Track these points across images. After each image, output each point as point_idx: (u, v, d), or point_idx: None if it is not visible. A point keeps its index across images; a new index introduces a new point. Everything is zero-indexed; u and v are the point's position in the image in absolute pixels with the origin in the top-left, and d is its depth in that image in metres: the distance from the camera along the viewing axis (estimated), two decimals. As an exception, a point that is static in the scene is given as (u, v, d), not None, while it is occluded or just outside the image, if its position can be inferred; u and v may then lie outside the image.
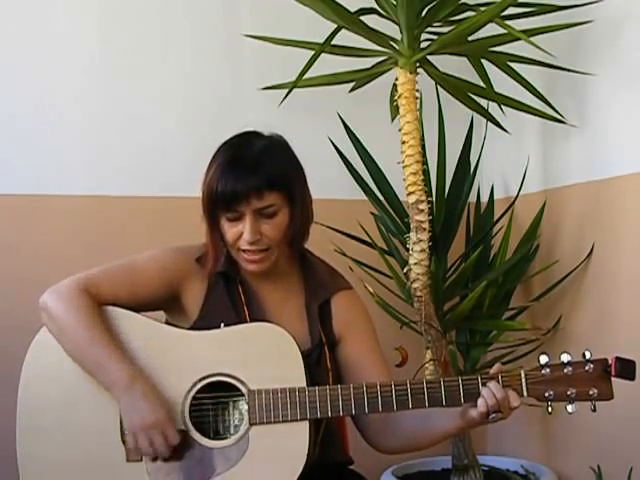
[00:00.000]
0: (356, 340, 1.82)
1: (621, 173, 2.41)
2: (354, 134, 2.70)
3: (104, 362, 1.63)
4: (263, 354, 1.67)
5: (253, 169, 1.68)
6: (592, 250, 2.54)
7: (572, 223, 2.65)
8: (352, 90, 2.70)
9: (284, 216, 1.73)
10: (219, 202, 1.69)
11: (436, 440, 1.73)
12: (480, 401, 1.59)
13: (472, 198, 2.80)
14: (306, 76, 2.42)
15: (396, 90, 2.41)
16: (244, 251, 1.73)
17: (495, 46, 2.46)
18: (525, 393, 1.61)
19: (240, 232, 1.71)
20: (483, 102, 2.64)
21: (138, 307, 1.75)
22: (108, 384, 1.63)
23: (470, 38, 2.48)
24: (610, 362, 1.60)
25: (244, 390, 1.65)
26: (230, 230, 1.72)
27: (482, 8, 2.33)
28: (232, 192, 1.67)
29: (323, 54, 2.39)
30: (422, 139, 2.44)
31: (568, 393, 1.60)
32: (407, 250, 2.45)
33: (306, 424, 1.63)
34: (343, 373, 1.81)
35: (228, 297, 1.78)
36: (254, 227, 1.70)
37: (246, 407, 1.64)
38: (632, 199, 2.38)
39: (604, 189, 2.49)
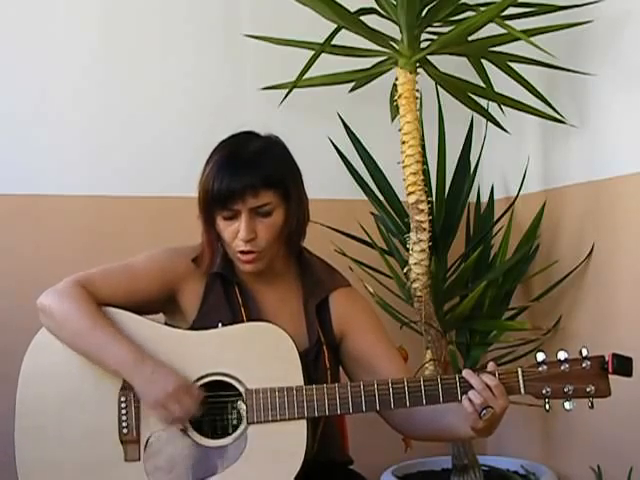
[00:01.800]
0: (359, 336, 1.81)
1: (621, 173, 2.41)
2: (354, 134, 2.70)
3: (108, 345, 1.64)
4: (261, 353, 1.67)
5: (249, 167, 1.68)
6: (592, 250, 2.54)
7: (572, 223, 2.64)
8: (352, 90, 2.70)
9: (279, 215, 1.72)
10: (215, 200, 1.69)
11: (455, 439, 1.72)
12: (465, 402, 1.59)
13: (472, 198, 2.80)
14: (306, 76, 2.42)
15: (396, 90, 2.41)
16: (240, 252, 1.73)
17: (495, 46, 2.46)
18: (523, 390, 1.61)
19: (236, 230, 1.71)
20: (483, 102, 2.64)
21: (136, 308, 1.74)
22: (116, 365, 1.64)
23: (470, 38, 2.47)
24: (607, 359, 1.60)
25: (242, 389, 1.65)
26: (226, 229, 1.72)
27: (482, 8, 2.33)
28: (228, 190, 1.67)
29: (323, 54, 2.39)
30: (422, 139, 2.44)
31: (565, 390, 1.60)
32: (407, 250, 2.45)
33: (304, 423, 1.63)
34: (353, 370, 1.81)
35: (225, 298, 1.78)
36: (250, 225, 1.70)
37: (244, 406, 1.64)
38: (632, 199, 2.38)
39: (604, 189, 2.49)
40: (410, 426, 1.77)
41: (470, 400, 1.58)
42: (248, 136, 1.78)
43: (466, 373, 1.62)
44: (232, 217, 1.71)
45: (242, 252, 1.73)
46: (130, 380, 1.64)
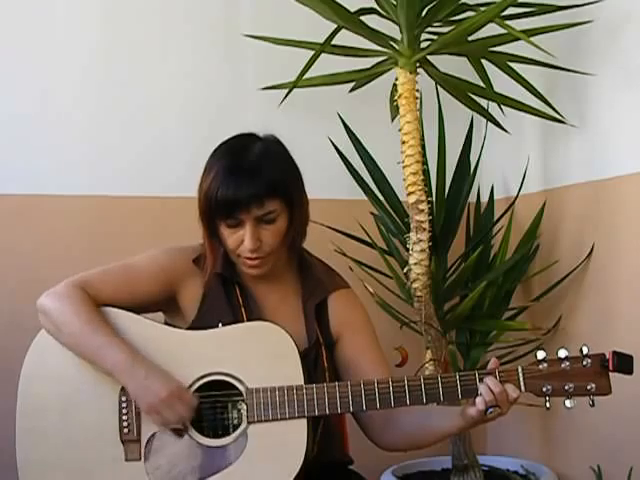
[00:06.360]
0: (353, 339, 1.81)
1: (621, 173, 2.41)
2: (354, 134, 2.70)
3: (103, 349, 1.64)
4: (261, 353, 1.67)
5: (253, 177, 1.67)
6: (592, 250, 2.54)
7: (572, 223, 2.64)
8: (352, 90, 2.70)
9: (283, 221, 1.72)
10: (219, 210, 1.68)
11: (437, 439, 1.73)
12: (478, 398, 1.59)
13: (472, 198, 2.80)
14: (306, 76, 2.42)
15: (396, 90, 2.41)
16: (245, 257, 1.73)
17: (495, 46, 2.46)
18: (523, 388, 1.61)
19: (241, 239, 1.70)
20: (483, 102, 2.64)
21: (136, 308, 1.75)
22: (109, 369, 1.64)
23: (470, 38, 2.47)
24: (607, 357, 1.60)
25: (242, 389, 1.65)
26: (230, 237, 1.71)
27: (482, 8, 2.33)
28: (233, 201, 1.66)
29: (323, 54, 2.39)
30: (422, 139, 2.44)
31: (566, 388, 1.60)
32: (407, 250, 2.45)
33: (304, 422, 1.63)
34: (342, 372, 1.81)
35: (226, 298, 1.78)
36: (255, 234, 1.69)
37: (244, 405, 1.64)
38: (632, 199, 2.38)
39: (604, 189, 2.49)
40: (391, 432, 1.76)
41: (483, 398, 1.58)
42: (247, 140, 1.76)
43: (488, 379, 1.61)
44: (236, 225, 1.70)
45: (247, 257, 1.72)
46: (125, 384, 1.64)
